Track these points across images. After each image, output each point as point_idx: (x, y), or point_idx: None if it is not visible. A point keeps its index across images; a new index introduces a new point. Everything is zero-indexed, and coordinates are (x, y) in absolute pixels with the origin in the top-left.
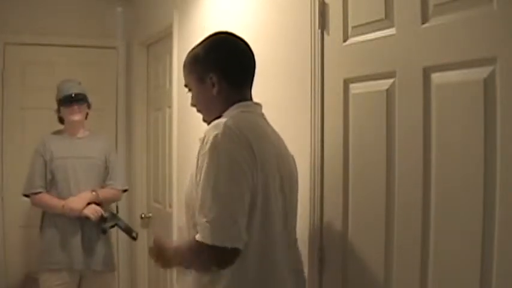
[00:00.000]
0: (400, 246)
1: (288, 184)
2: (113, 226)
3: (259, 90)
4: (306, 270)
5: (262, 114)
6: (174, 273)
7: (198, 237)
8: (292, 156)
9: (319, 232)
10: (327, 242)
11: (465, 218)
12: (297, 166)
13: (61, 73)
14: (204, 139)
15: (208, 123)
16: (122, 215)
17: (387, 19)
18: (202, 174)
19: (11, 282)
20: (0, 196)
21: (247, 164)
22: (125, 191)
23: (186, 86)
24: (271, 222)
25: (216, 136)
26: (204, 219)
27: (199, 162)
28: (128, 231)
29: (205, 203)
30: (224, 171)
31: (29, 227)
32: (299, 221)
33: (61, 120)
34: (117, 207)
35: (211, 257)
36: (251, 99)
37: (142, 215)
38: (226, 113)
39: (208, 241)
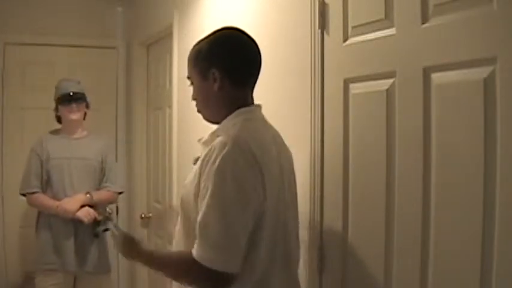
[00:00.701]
0: (400, 246)
1: (289, 193)
2: (106, 230)
3: (259, 90)
4: (306, 270)
5: (265, 119)
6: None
7: (195, 254)
8: (291, 156)
9: (319, 232)
10: (327, 241)
11: (465, 218)
12: (297, 166)
13: (61, 73)
14: (211, 151)
15: (208, 121)
16: (122, 215)
17: (387, 19)
18: (209, 193)
19: (11, 281)
20: (0, 196)
21: (256, 186)
22: (121, 193)
23: (188, 78)
24: (280, 236)
25: (224, 156)
26: (205, 240)
27: (205, 175)
28: None
29: (209, 223)
30: (231, 194)
31: (29, 227)
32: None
33: (59, 120)
34: (117, 207)
35: (201, 277)
36: (252, 101)
37: (142, 215)
38: (228, 121)
39: (206, 263)
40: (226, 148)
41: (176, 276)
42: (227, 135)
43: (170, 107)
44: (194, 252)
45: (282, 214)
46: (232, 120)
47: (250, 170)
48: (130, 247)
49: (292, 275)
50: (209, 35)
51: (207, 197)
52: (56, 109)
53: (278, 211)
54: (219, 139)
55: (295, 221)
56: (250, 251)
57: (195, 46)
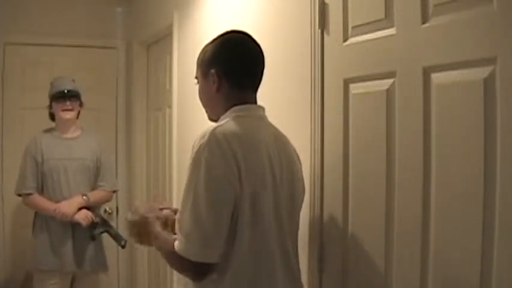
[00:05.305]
0: (400, 246)
1: (286, 191)
2: (102, 232)
3: (259, 90)
4: (305, 269)
5: (263, 118)
6: (174, 274)
7: (175, 245)
8: (296, 159)
9: (319, 231)
10: (326, 241)
11: (465, 216)
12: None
13: (61, 73)
14: (193, 145)
15: (211, 120)
16: (122, 214)
17: (387, 19)
18: (185, 185)
19: (11, 280)
20: (0, 196)
21: (229, 177)
22: (115, 191)
23: (196, 78)
24: (263, 228)
25: (200, 146)
26: (181, 232)
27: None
28: (118, 238)
29: (184, 215)
30: (204, 186)
31: (29, 227)
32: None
33: (52, 117)
34: (117, 207)
35: (183, 267)
36: (255, 101)
37: None
38: (222, 118)
39: (181, 253)
40: (205, 137)
41: (170, 264)
42: (208, 127)
43: (170, 107)
44: (175, 243)
45: (267, 210)
46: (225, 118)
47: (224, 159)
48: (139, 233)
49: (291, 273)
50: (215, 38)
51: (184, 185)
52: (50, 106)
53: (259, 206)
54: (202, 131)
55: (292, 220)
56: (230, 242)
57: (202, 49)
